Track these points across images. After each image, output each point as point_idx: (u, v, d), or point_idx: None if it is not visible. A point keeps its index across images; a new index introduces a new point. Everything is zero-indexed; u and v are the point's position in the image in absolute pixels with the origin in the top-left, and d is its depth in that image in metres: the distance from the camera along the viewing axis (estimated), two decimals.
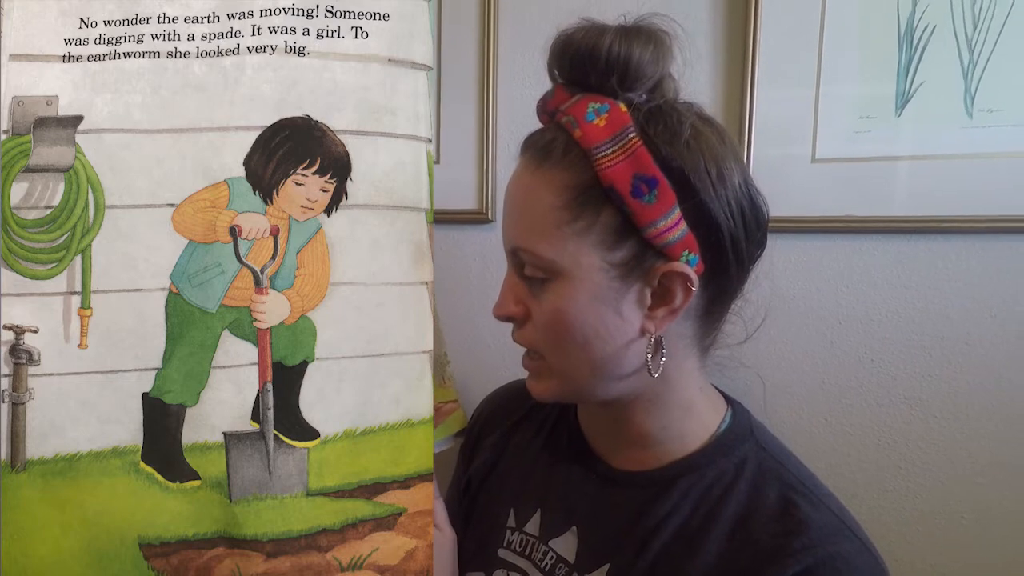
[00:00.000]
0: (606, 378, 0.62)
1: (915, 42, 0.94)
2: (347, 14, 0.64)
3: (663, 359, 0.60)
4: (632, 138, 0.56)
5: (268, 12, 0.63)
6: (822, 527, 0.57)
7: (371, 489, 0.65)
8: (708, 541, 0.59)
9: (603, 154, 0.56)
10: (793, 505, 0.58)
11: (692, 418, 0.64)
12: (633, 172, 0.55)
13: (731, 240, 0.58)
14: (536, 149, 0.60)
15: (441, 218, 1.08)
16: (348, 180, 0.64)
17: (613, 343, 0.60)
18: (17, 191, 0.62)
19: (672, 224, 0.56)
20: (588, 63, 0.58)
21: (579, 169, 0.57)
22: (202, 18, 0.63)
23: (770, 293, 0.65)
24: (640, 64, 0.57)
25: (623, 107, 0.57)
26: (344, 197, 0.64)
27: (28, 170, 0.62)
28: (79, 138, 0.63)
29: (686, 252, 0.57)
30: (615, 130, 0.56)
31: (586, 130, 0.56)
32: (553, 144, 0.59)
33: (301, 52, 0.63)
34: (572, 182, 0.57)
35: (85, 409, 0.63)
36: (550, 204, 0.58)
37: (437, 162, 1.09)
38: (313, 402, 0.64)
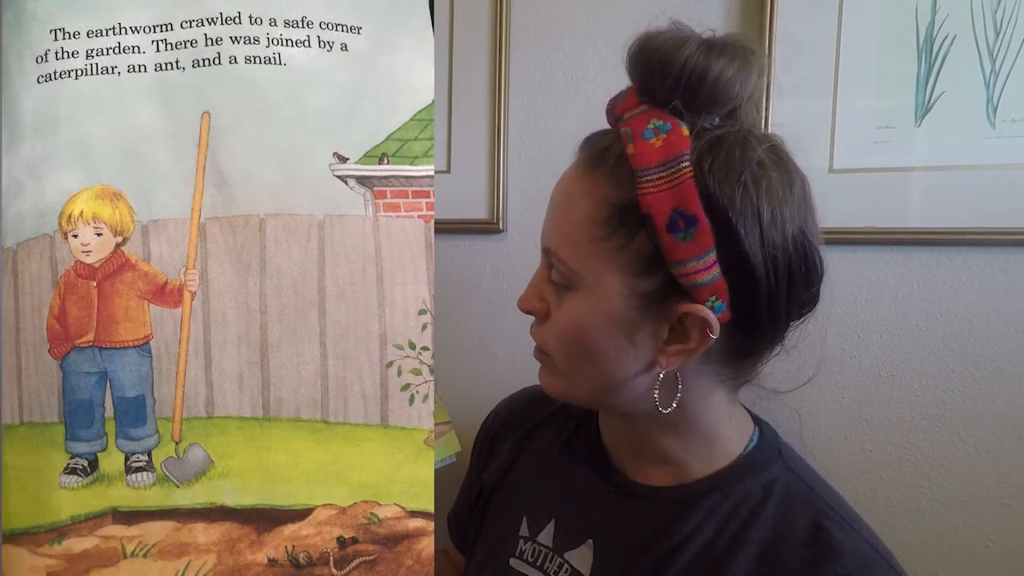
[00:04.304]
0: (612, 397, 0.60)
1: (935, 51, 0.92)
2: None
3: (679, 394, 0.58)
4: (683, 168, 0.52)
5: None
6: (856, 555, 0.55)
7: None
8: (734, 564, 0.57)
9: (648, 179, 0.52)
10: (824, 531, 0.56)
11: (717, 442, 0.62)
12: (673, 205, 0.52)
13: (767, 298, 0.54)
14: (591, 152, 0.57)
15: (452, 228, 1.08)
16: None
17: (622, 369, 0.58)
18: None
19: (704, 267, 0.52)
20: (658, 75, 0.53)
21: (624, 187, 0.54)
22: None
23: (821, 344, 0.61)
24: (716, 85, 0.53)
25: (685, 131, 0.53)
26: None
27: None
28: None
29: (713, 298, 0.53)
30: (668, 155, 0.52)
31: (639, 148, 0.53)
32: (607, 153, 0.56)
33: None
34: (613, 199, 0.55)
35: None
36: (586, 215, 0.56)
37: (448, 172, 1.08)
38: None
